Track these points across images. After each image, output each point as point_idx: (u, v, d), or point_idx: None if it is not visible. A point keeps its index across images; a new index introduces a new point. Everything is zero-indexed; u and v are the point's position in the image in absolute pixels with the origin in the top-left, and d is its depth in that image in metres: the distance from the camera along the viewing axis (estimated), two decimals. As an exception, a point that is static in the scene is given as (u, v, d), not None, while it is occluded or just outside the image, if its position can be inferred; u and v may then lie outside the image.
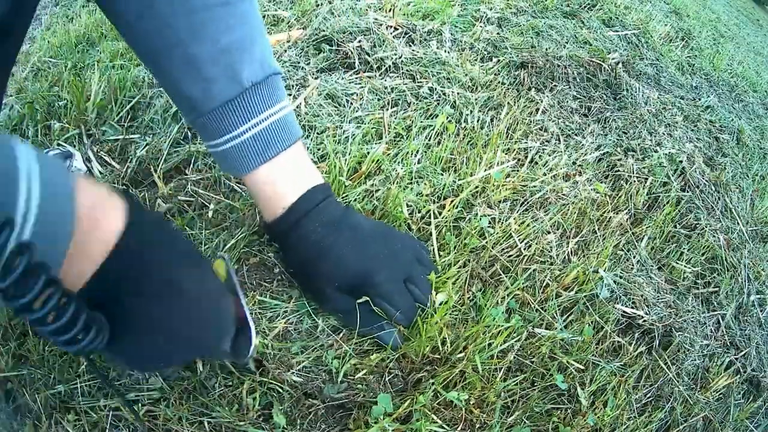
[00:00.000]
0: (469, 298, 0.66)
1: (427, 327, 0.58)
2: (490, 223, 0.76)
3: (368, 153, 0.78)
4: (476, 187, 0.80)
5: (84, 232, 0.31)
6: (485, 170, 0.82)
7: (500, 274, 0.70)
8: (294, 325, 0.59)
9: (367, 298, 0.56)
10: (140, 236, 0.35)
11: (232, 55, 0.46)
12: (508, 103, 1.00)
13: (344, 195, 0.72)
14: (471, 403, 0.57)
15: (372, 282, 0.55)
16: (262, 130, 0.50)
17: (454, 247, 0.70)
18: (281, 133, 0.52)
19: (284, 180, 0.54)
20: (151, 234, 0.37)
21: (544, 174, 0.87)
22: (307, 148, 0.78)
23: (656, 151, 1.05)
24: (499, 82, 1.05)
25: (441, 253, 0.69)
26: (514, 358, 0.62)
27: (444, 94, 0.97)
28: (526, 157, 0.91)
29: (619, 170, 0.97)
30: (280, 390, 0.55)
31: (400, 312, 0.56)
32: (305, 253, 0.55)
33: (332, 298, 0.56)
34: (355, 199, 0.71)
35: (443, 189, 0.78)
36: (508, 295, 0.67)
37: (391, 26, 1.10)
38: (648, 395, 0.69)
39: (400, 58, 1.01)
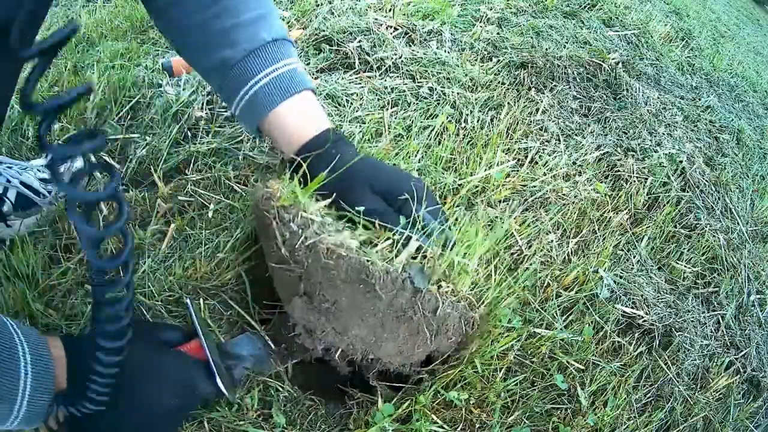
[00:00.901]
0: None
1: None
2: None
3: (369, 153, 0.78)
4: (476, 186, 0.80)
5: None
6: (485, 170, 0.82)
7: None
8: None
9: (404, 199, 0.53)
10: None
11: (256, 23, 0.57)
12: (508, 103, 1.00)
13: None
14: (471, 403, 0.57)
15: (409, 187, 0.54)
16: (286, 72, 0.57)
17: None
18: (303, 77, 0.59)
19: (315, 108, 0.59)
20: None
21: (544, 174, 0.87)
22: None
23: (656, 151, 1.05)
24: (499, 82, 1.05)
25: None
26: (514, 358, 0.62)
27: (444, 94, 0.97)
28: (526, 157, 0.91)
29: (619, 170, 0.97)
30: (280, 389, 0.55)
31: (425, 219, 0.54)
32: (344, 158, 0.55)
33: (369, 197, 0.54)
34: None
35: (444, 189, 0.78)
36: (508, 295, 0.67)
37: (391, 26, 1.10)
38: (648, 395, 0.69)
39: (400, 58, 1.01)
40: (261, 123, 0.59)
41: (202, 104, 0.83)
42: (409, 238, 0.51)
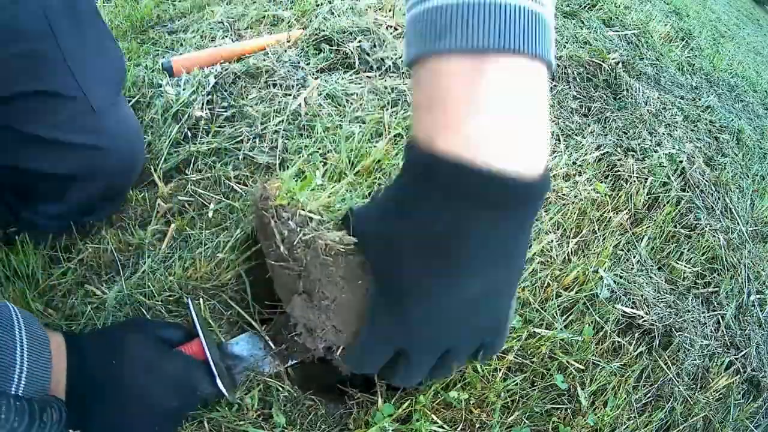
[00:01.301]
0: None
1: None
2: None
3: (369, 152, 0.78)
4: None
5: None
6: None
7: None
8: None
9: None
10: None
11: None
12: (508, 103, 1.00)
13: (349, 191, 0.72)
14: (471, 403, 0.57)
15: (408, 341, 0.39)
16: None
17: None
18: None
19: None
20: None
21: (544, 174, 0.87)
22: (308, 147, 0.78)
23: (656, 151, 1.05)
24: (499, 82, 1.05)
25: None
26: (514, 358, 0.62)
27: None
28: (526, 157, 0.91)
29: (619, 170, 0.97)
30: (280, 389, 0.55)
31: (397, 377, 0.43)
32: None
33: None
34: (363, 197, 0.71)
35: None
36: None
37: (391, 26, 1.10)
38: (648, 395, 0.69)
39: (400, 58, 1.01)
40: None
41: (202, 104, 0.83)
42: None
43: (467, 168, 0.29)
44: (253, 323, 0.60)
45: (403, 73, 0.99)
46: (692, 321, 0.80)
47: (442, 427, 0.55)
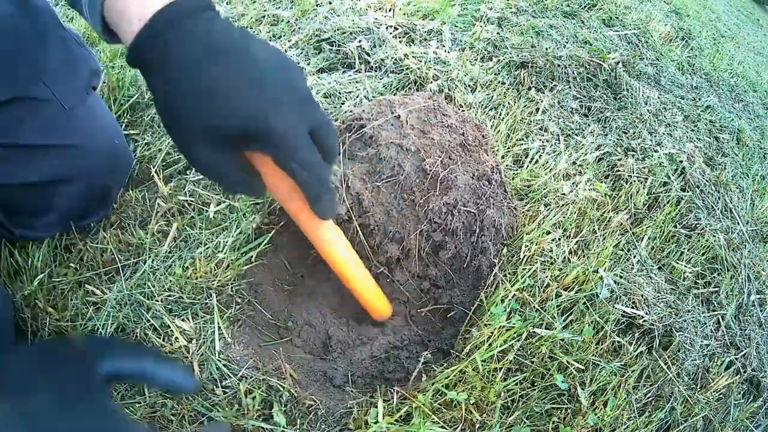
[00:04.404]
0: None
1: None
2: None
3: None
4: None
5: None
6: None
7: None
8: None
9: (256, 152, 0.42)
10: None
11: None
12: (508, 103, 1.00)
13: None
14: (471, 403, 0.57)
15: (269, 130, 0.38)
16: None
17: (454, 247, 0.70)
18: None
19: None
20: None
21: (544, 174, 0.87)
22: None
23: (656, 151, 1.05)
24: (499, 82, 1.05)
25: (441, 253, 0.69)
26: (514, 358, 0.62)
27: (444, 94, 0.97)
28: (526, 157, 0.91)
29: (619, 170, 0.97)
30: (281, 389, 0.55)
31: (308, 173, 0.41)
32: (166, 85, 0.38)
33: (200, 152, 0.39)
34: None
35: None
36: (507, 296, 0.67)
37: (391, 26, 1.10)
38: (648, 395, 0.69)
39: (400, 57, 1.01)
40: (107, 21, 0.40)
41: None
42: None
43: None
44: (254, 322, 0.60)
45: (402, 73, 0.99)
46: (692, 321, 0.80)
47: (442, 427, 0.55)
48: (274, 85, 0.39)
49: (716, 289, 0.88)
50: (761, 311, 0.91)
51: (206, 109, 0.37)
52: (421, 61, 1.01)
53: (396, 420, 0.54)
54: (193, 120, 0.38)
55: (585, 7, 1.51)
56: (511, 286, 0.67)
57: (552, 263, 0.73)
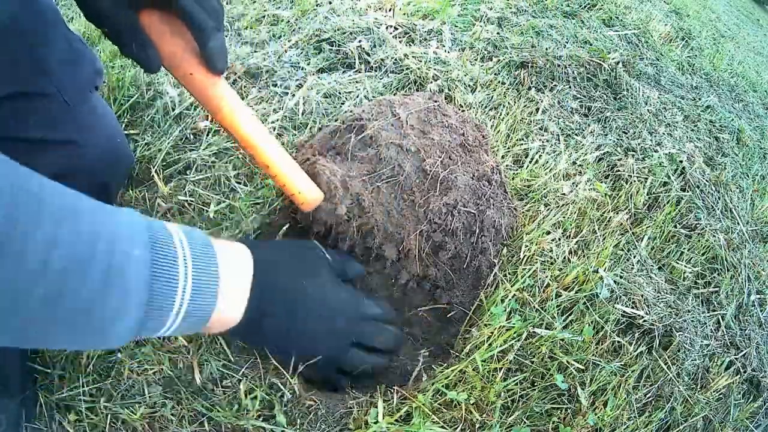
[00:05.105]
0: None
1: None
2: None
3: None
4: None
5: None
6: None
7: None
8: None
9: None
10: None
11: None
12: (508, 103, 1.00)
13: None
14: (471, 403, 0.57)
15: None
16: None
17: (454, 247, 0.70)
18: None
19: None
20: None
21: (544, 174, 0.87)
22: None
23: (656, 151, 1.05)
24: (499, 82, 1.05)
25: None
26: (514, 358, 0.62)
27: (444, 94, 0.97)
28: (526, 157, 0.91)
29: (619, 170, 0.97)
30: (281, 389, 0.55)
31: (207, 13, 0.46)
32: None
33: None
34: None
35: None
36: (507, 296, 0.67)
37: (391, 26, 1.10)
38: (648, 395, 0.69)
39: (400, 57, 1.01)
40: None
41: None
42: None
43: None
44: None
45: (403, 73, 0.99)
46: (692, 321, 0.80)
47: (443, 427, 0.55)
48: None
49: (716, 289, 0.88)
50: (761, 311, 0.91)
51: None
52: (421, 61, 1.01)
53: (396, 420, 0.54)
54: None
55: (585, 7, 1.51)
56: (511, 286, 0.67)
57: (552, 263, 0.73)
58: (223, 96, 0.51)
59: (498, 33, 1.21)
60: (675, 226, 0.93)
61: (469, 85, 1.01)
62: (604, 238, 0.82)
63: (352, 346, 0.56)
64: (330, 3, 1.15)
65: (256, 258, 0.48)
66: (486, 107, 0.98)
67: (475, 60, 1.10)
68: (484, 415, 0.57)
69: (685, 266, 0.87)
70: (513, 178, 0.85)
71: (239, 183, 0.73)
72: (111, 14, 0.45)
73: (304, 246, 0.59)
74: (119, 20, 0.46)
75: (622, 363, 0.69)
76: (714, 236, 0.95)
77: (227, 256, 0.43)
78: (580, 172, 0.92)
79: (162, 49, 0.48)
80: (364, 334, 0.57)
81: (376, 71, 0.98)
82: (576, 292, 0.71)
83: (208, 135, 0.79)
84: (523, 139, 0.94)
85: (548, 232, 0.77)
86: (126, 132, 0.79)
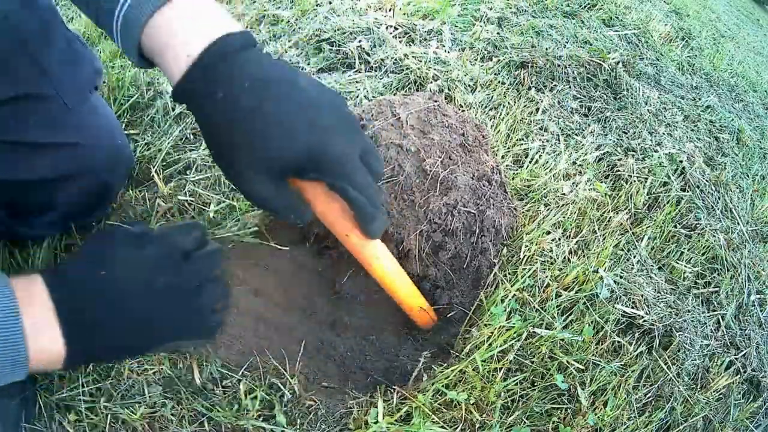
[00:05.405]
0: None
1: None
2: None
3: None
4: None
5: None
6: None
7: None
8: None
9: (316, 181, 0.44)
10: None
11: None
12: (508, 103, 1.00)
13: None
14: (471, 403, 0.57)
15: (328, 157, 0.41)
16: None
17: (454, 247, 0.70)
18: None
19: (185, 25, 0.39)
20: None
21: (544, 174, 0.87)
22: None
23: (656, 151, 1.05)
24: (499, 82, 1.05)
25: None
26: (514, 358, 0.62)
27: (444, 94, 0.97)
28: (526, 157, 0.91)
29: (619, 170, 0.97)
30: (281, 389, 0.55)
31: (363, 196, 0.43)
32: (220, 118, 0.39)
33: (256, 182, 0.40)
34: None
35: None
36: (507, 296, 0.67)
37: (391, 26, 1.10)
38: (648, 395, 0.69)
39: (400, 57, 1.01)
40: (143, 48, 0.41)
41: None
42: None
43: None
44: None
45: (403, 73, 0.99)
46: (692, 321, 0.80)
47: (442, 427, 0.55)
48: (326, 113, 0.41)
49: (716, 289, 0.88)
50: (761, 311, 0.91)
51: (265, 140, 0.38)
52: (421, 61, 1.01)
53: (396, 420, 0.54)
54: (251, 152, 0.39)
55: (585, 7, 1.51)
56: (511, 286, 0.67)
57: (552, 263, 0.73)
58: (377, 257, 0.54)
59: (498, 33, 1.21)
60: (675, 226, 0.93)
61: (469, 85, 1.01)
62: (604, 238, 0.82)
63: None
64: (330, 3, 1.15)
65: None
66: (486, 107, 0.98)
67: (475, 60, 1.10)
68: (484, 415, 0.57)
69: (685, 266, 0.87)
70: (513, 178, 0.85)
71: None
72: (269, 190, 0.41)
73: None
74: (282, 201, 0.42)
75: (622, 363, 0.69)
76: (714, 236, 0.95)
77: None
78: (580, 172, 0.92)
79: (316, 209, 0.46)
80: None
81: (376, 71, 0.99)
82: (576, 292, 0.71)
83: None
84: (523, 139, 0.94)
85: (548, 232, 0.77)
86: (126, 132, 0.79)
